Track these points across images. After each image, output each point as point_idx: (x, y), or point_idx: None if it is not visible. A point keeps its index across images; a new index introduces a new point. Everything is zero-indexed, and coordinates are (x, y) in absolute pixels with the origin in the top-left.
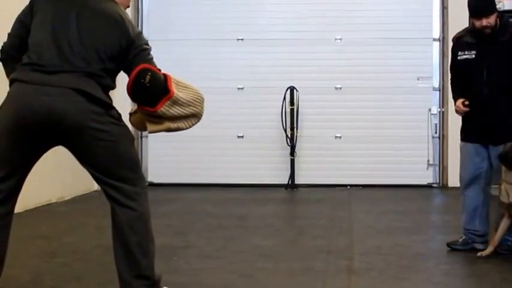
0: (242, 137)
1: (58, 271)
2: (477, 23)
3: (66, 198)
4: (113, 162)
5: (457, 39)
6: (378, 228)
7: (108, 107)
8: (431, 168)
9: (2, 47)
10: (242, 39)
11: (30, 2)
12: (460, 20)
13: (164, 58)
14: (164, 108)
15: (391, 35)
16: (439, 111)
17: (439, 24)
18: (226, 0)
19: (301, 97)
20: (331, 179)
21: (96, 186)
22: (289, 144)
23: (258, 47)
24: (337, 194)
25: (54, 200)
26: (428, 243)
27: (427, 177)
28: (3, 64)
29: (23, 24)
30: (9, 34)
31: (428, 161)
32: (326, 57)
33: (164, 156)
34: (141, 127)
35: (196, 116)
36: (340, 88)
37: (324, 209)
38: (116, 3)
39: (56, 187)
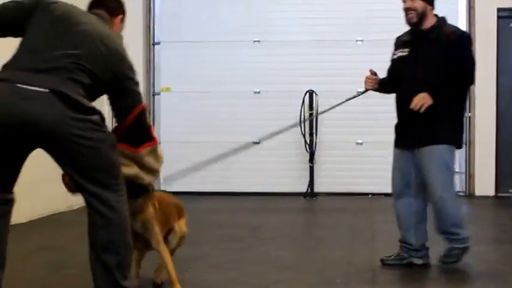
0: (258, 143)
1: (67, 283)
2: (403, 5)
3: (75, 207)
4: (92, 168)
5: (396, 39)
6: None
7: (88, 112)
8: (457, 176)
9: None
10: (259, 41)
11: (36, 1)
12: (487, 19)
13: (177, 61)
14: (144, 152)
15: None
16: (466, 116)
17: (466, 24)
18: (242, 1)
19: (320, 101)
20: (352, 187)
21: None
22: (308, 150)
23: (276, 49)
24: (358, 203)
25: (62, 209)
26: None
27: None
28: None
29: (21, 6)
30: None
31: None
32: (347, 59)
33: (176, 163)
34: None
35: (157, 174)
36: (362, 92)
37: (344, 218)
38: (111, 29)
39: (64, 196)
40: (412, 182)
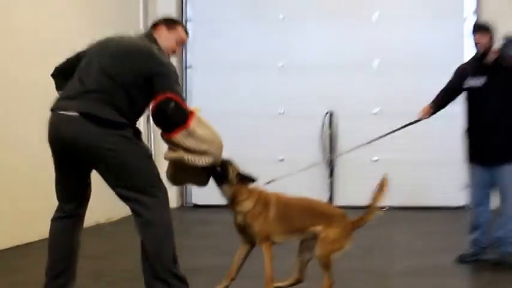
0: (283, 160)
1: None
2: (473, 38)
3: (114, 219)
4: (128, 176)
5: (462, 67)
6: (415, 249)
7: (118, 126)
8: (464, 191)
9: (57, 65)
10: (282, 66)
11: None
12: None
13: (207, 84)
14: (179, 137)
15: (427, 61)
16: None
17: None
18: (266, 29)
19: (339, 122)
20: (368, 200)
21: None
22: (328, 166)
23: (298, 74)
24: (375, 215)
25: (102, 221)
26: (465, 263)
27: (461, 199)
28: (53, 78)
29: (77, 55)
30: (66, 58)
31: (462, 183)
32: (364, 82)
33: None
34: (170, 174)
35: (209, 155)
36: (377, 113)
37: (361, 229)
38: (154, 42)
39: (104, 208)
40: (489, 193)
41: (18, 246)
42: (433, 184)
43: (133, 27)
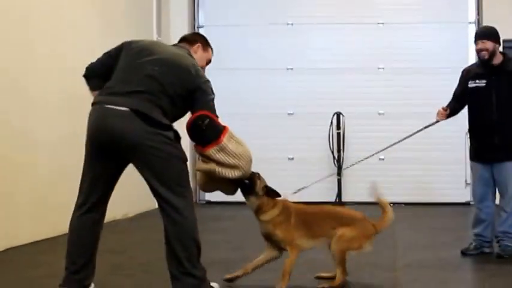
0: (292, 158)
1: (126, 283)
2: (475, 46)
3: (130, 215)
4: (163, 175)
5: (467, 70)
6: (420, 243)
7: (163, 127)
8: (468, 187)
9: (88, 66)
10: (291, 69)
11: (122, 44)
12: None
13: (219, 86)
14: (212, 151)
15: (430, 64)
16: None
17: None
18: (276, 33)
19: (347, 122)
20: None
21: (157, 204)
22: (336, 165)
23: (306, 76)
24: (381, 211)
25: (119, 217)
26: (469, 257)
27: (465, 195)
28: (86, 79)
29: (109, 55)
30: (97, 59)
31: (466, 180)
32: (370, 85)
33: None
34: (202, 181)
35: (239, 169)
36: (383, 114)
37: None
38: (191, 56)
39: (120, 205)
40: (491, 189)
41: (39, 241)
42: (437, 181)
43: (147, 33)
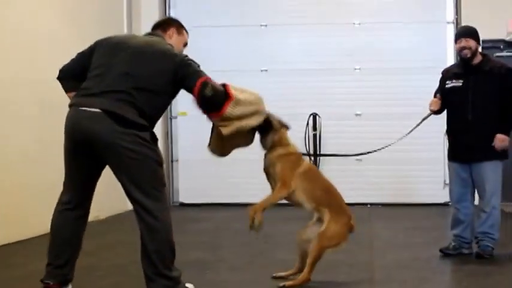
0: None
1: (102, 283)
2: (458, 43)
3: (101, 218)
4: (137, 177)
5: (446, 71)
6: (397, 243)
7: (138, 128)
8: (447, 188)
9: (61, 68)
10: (266, 70)
11: (95, 42)
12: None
13: None
14: (229, 110)
15: (406, 64)
16: None
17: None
18: (250, 33)
19: (323, 123)
20: (352, 198)
21: (128, 206)
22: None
23: (281, 77)
24: (358, 212)
25: (90, 220)
26: (446, 257)
27: (443, 196)
28: (60, 81)
29: (83, 55)
30: (71, 60)
31: (444, 181)
32: (346, 85)
33: (193, 179)
34: (220, 148)
35: (259, 113)
36: (360, 114)
37: None
38: (163, 39)
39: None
40: (469, 189)
41: (12, 244)
42: (415, 182)
43: (117, 28)
